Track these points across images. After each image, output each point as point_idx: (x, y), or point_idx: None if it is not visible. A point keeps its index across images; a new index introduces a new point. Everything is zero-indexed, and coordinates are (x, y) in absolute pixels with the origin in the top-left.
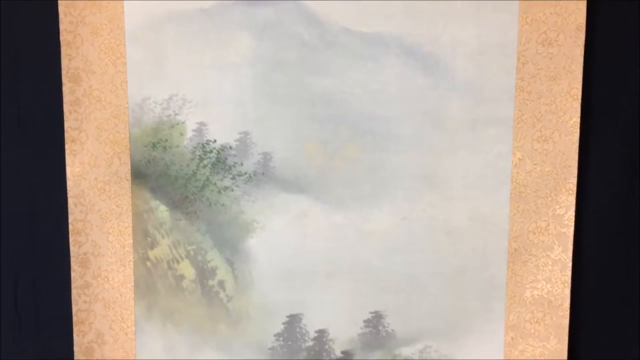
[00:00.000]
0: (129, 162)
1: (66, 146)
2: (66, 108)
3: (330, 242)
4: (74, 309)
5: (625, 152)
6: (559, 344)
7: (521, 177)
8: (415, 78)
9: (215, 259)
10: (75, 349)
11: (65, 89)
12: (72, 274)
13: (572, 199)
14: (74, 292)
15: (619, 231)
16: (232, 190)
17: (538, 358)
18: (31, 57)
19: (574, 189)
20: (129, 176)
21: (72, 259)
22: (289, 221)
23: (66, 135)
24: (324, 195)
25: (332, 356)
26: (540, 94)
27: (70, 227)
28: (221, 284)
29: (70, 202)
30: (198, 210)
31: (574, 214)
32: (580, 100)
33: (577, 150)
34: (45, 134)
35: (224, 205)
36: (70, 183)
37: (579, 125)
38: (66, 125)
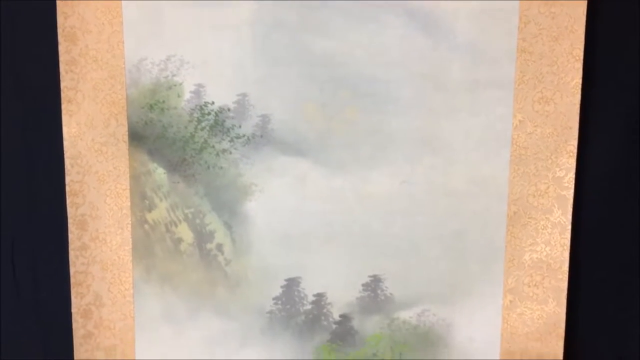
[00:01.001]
0: (126, 123)
1: (62, 106)
2: (62, 68)
3: (329, 205)
4: (72, 270)
5: (627, 113)
6: (558, 306)
7: (521, 140)
8: (415, 39)
9: (213, 222)
10: (73, 310)
11: (62, 48)
12: (70, 236)
13: (573, 162)
14: (71, 254)
15: (619, 194)
16: (231, 152)
17: (536, 320)
18: (27, 15)
19: (575, 151)
20: (126, 138)
21: (70, 221)
22: (288, 184)
23: (62, 95)
24: (323, 158)
25: (330, 320)
26: (542, 55)
27: (67, 188)
28: (219, 247)
29: (67, 163)
30: (196, 173)
31: (574, 176)
32: (582, 61)
33: (578, 112)
34: (41, 93)
35: (222, 168)
36: (66, 144)
37: (580, 86)
38: (62, 85)
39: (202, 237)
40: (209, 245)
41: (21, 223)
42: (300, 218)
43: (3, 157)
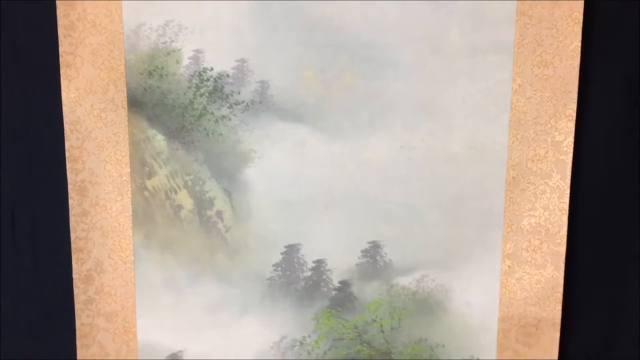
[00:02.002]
0: (124, 89)
1: (61, 71)
2: (60, 32)
3: (328, 172)
4: (72, 237)
5: (627, 77)
6: (556, 271)
7: (521, 104)
8: (414, 3)
9: (213, 189)
10: (74, 276)
11: (60, 12)
12: (70, 202)
13: (572, 126)
14: (72, 220)
15: (618, 158)
16: (230, 119)
17: (535, 285)
18: None
19: (574, 115)
20: (125, 104)
21: (70, 187)
22: (287, 151)
23: (61, 60)
24: (321, 124)
25: (330, 286)
26: (541, 18)
27: (67, 154)
28: (219, 214)
29: (67, 128)
30: (195, 140)
31: (572, 140)
32: (581, 24)
33: (577, 76)
34: (39, 57)
35: (221, 134)
36: (65, 109)
37: (580, 49)
38: (61, 49)
39: (202, 204)
40: (208, 212)
41: (21, 190)
42: (299, 185)
43: (2, 122)
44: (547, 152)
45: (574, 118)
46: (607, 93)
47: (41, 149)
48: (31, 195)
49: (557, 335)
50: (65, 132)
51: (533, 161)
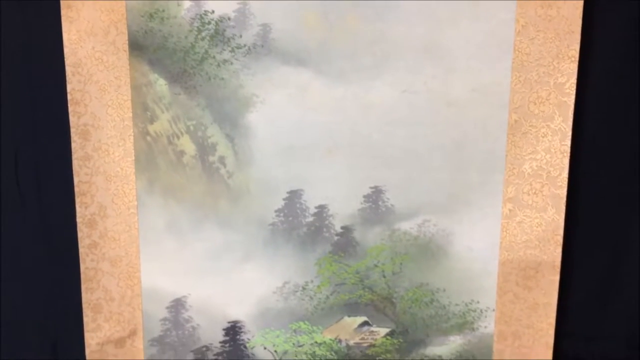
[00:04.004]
0: (125, 32)
1: (62, 12)
2: None
3: (331, 116)
4: (76, 180)
5: (629, 17)
6: (556, 214)
7: (524, 45)
8: None
9: (215, 134)
10: (78, 220)
11: None
12: (72, 145)
13: (574, 67)
14: (74, 163)
15: (620, 99)
16: (232, 63)
17: (535, 228)
18: None
19: (577, 56)
20: (126, 47)
21: (72, 130)
22: (289, 95)
23: (62, 1)
24: (324, 67)
25: (332, 231)
26: None
27: (68, 96)
28: (221, 159)
29: (68, 70)
30: (197, 85)
31: (575, 82)
32: None
33: (580, 16)
34: None
35: (223, 79)
36: (67, 50)
37: None
38: None
39: (204, 149)
40: (211, 158)
41: (24, 134)
42: (301, 129)
43: (3, 63)
44: (549, 95)
45: (577, 59)
46: (610, 34)
47: (43, 91)
48: (34, 138)
49: (557, 278)
50: (67, 74)
51: (535, 104)
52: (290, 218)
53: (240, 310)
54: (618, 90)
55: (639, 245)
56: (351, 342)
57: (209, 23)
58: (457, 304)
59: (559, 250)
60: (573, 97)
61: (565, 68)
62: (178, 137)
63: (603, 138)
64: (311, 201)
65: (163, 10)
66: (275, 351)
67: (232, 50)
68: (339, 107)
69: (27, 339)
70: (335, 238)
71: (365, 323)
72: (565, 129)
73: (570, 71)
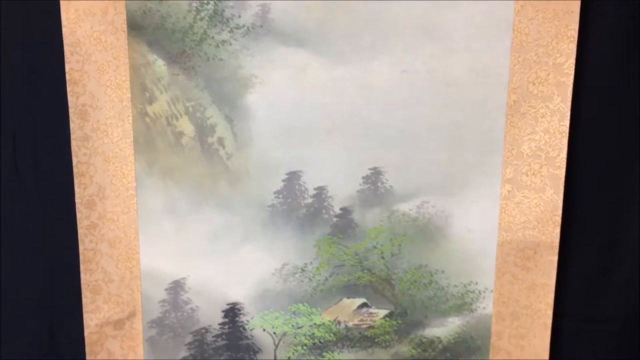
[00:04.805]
0: (124, 11)
1: None
2: None
3: (330, 97)
4: (74, 161)
5: None
6: (555, 194)
7: (523, 25)
8: None
9: (214, 115)
10: (77, 201)
11: None
12: (71, 125)
13: (573, 47)
14: (73, 143)
15: (619, 79)
16: (230, 44)
17: (534, 208)
18: None
19: (576, 36)
20: (124, 27)
21: (71, 111)
22: (288, 76)
23: None
24: (323, 48)
25: (331, 213)
26: None
27: (67, 76)
28: (220, 141)
29: (67, 50)
30: (196, 65)
31: (574, 62)
32: None
33: None
34: None
35: (222, 59)
36: (65, 30)
37: None
38: None
39: (203, 130)
40: (210, 139)
41: (22, 114)
42: (300, 110)
43: (2, 40)
44: (548, 75)
45: (576, 39)
46: (609, 13)
47: (42, 71)
48: (32, 118)
49: (555, 258)
50: (65, 54)
51: (534, 84)
52: (289, 200)
53: (239, 292)
54: (617, 70)
55: (638, 226)
56: (350, 324)
57: (208, 3)
58: (455, 285)
59: (558, 230)
60: (572, 77)
61: (564, 48)
62: (177, 118)
63: (602, 118)
64: (310, 182)
65: None
66: (274, 333)
67: (231, 31)
68: (338, 88)
69: (25, 320)
70: (334, 220)
71: (364, 305)
72: (564, 109)
73: (569, 51)
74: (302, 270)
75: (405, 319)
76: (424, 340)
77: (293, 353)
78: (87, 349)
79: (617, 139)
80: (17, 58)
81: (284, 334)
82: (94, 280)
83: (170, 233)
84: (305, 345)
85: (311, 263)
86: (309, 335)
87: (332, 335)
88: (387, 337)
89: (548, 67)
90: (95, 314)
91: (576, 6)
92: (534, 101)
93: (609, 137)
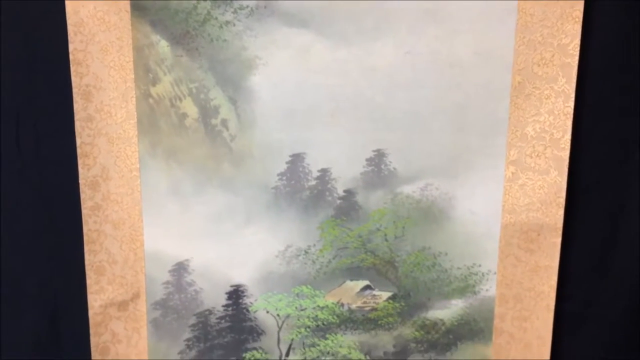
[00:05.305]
0: None
1: None
2: None
3: (333, 79)
4: (78, 141)
5: None
6: (559, 176)
7: (527, 6)
8: None
9: (218, 97)
10: (81, 181)
11: None
12: (75, 106)
13: (578, 28)
14: (77, 124)
15: (623, 60)
16: (234, 25)
17: (538, 190)
18: None
19: (581, 16)
20: (128, 7)
21: (74, 90)
22: (292, 57)
23: None
24: (326, 29)
25: (335, 195)
26: None
27: (70, 56)
28: (224, 122)
29: (70, 30)
30: (199, 46)
31: (579, 43)
32: None
33: None
34: None
35: (225, 40)
36: (68, 9)
37: None
38: None
39: (207, 112)
40: (213, 121)
41: (25, 93)
42: (304, 92)
43: (3, 23)
44: (553, 56)
45: (581, 20)
46: None
47: (45, 51)
48: (35, 98)
49: (559, 240)
50: (69, 34)
51: (539, 65)
52: (293, 182)
53: (242, 274)
54: (622, 51)
55: (639, 208)
56: (353, 306)
57: None
58: (459, 268)
59: (561, 212)
60: (577, 58)
61: (569, 29)
62: (180, 100)
63: (606, 99)
64: (314, 165)
65: None
66: (278, 315)
67: (235, 12)
68: (341, 70)
69: (29, 300)
70: (338, 202)
71: (367, 287)
72: (568, 90)
73: (574, 32)
74: (306, 252)
75: (409, 301)
76: (427, 322)
77: (296, 335)
78: (91, 330)
79: (621, 120)
80: (20, 38)
81: (288, 316)
82: (98, 261)
83: (174, 215)
84: (309, 327)
85: (314, 245)
86: (312, 318)
87: (335, 317)
88: (390, 319)
89: (553, 48)
90: (99, 295)
91: None
92: (539, 82)
93: (613, 119)
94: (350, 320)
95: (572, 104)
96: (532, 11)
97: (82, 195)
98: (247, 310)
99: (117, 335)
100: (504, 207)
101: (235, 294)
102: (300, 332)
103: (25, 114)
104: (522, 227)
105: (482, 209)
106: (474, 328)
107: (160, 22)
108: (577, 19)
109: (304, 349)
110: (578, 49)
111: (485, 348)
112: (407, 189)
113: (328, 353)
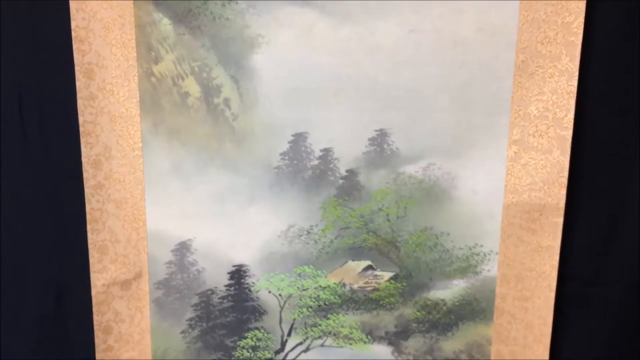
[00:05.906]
0: None
1: None
2: None
3: (336, 58)
4: (81, 120)
5: None
6: (561, 155)
7: None
8: None
9: (220, 76)
10: (83, 160)
11: None
12: (77, 84)
13: (582, 5)
14: (79, 102)
15: (628, 38)
16: (237, 2)
17: (540, 170)
18: None
19: None
20: None
21: (77, 68)
22: (295, 35)
23: None
24: (330, 7)
25: (337, 175)
26: None
27: (72, 34)
28: (226, 102)
29: (72, 7)
30: (202, 25)
31: (583, 20)
32: None
33: None
34: None
35: (228, 19)
36: None
37: None
38: None
39: (209, 91)
40: (216, 100)
41: (27, 73)
42: (307, 71)
43: (4, 1)
44: (556, 34)
45: None
46: None
47: (47, 28)
48: (38, 77)
49: (561, 220)
50: (70, 11)
51: (543, 44)
52: (295, 161)
53: (245, 253)
54: (627, 27)
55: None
56: (355, 286)
57: None
58: (460, 248)
59: (564, 192)
60: (581, 36)
61: (573, 7)
62: (183, 79)
63: (610, 78)
64: (316, 144)
65: None
66: (280, 295)
67: None
68: (344, 49)
69: (32, 279)
70: (340, 182)
71: (369, 267)
72: (572, 69)
73: (578, 10)
74: (308, 232)
75: (410, 282)
76: (429, 302)
77: (298, 315)
78: (94, 309)
79: (625, 99)
80: (22, 15)
81: (290, 296)
82: (100, 240)
83: (176, 194)
84: (311, 307)
85: (317, 225)
86: (314, 298)
87: (337, 297)
88: (392, 299)
89: (557, 26)
90: (102, 274)
91: None
92: (542, 61)
93: (617, 98)
94: (352, 300)
95: (575, 83)
96: None
97: (85, 174)
98: (250, 290)
99: (120, 314)
100: (506, 186)
101: (238, 274)
102: (302, 312)
103: (27, 91)
104: (524, 206)
105: (484, 188)
106: (476, 308)
107: None
108: None
109: (306, 328)
110: (582, 27)
111: (486, 328)
112: (410, 169)
113: (330, 333)
